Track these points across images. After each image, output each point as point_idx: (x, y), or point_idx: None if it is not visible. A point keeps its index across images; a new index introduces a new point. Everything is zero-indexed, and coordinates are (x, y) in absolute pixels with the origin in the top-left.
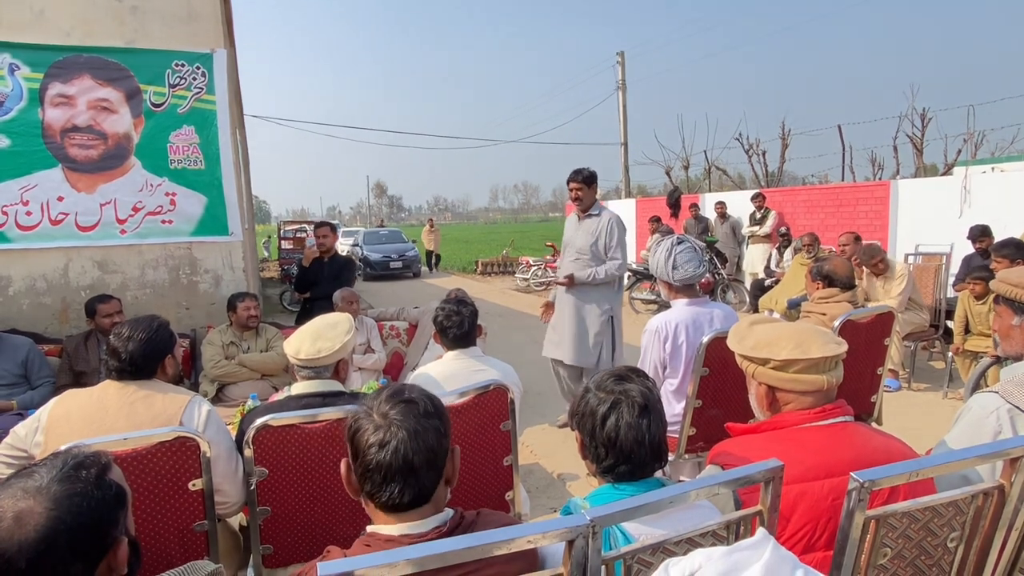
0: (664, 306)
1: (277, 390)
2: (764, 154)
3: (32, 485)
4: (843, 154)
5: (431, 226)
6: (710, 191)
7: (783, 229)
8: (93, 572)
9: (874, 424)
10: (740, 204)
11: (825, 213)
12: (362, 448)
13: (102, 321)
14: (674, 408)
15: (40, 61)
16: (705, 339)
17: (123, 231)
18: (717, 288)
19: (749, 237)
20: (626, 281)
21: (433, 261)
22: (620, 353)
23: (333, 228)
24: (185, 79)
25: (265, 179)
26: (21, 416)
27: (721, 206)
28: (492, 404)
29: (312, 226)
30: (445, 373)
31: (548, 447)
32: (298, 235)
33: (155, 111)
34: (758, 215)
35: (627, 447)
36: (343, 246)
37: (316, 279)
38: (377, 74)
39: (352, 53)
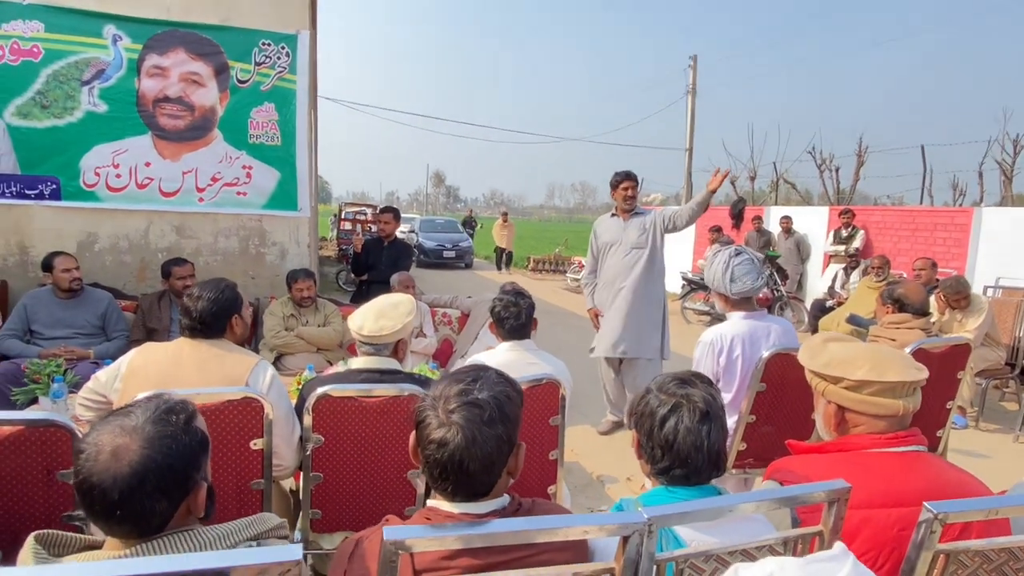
0: (717, 318)
1: (331, 364)
2: (837, 170)
3: (129, 424)
4: (924, 176)
5: (504, 220)
6: (776, 204)
7: (852, 249)
8: (175, 511)
9: None
10: (807, 220)
11: (899, 237)
12: (423, 440)
13: (175, 283)
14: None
15: (141, 33)
16: (766, 354)
17: (201, 199)
18: (775, 305)
19: (832, 256)
20: (679, 290)
21: (504, 259)
22: (668, 349)
23: (396, 214)
24: (270, 58)
25: (329, 160)
26: (97, 365)
27: (787, 221)
28: (544, 397)
29: (373, 210)
30: (499, 363)
31: (589, 448)
32: (358, 217)
33: (240, 87)
34: (844, 233)
35: (684, 451)
36: (399, 232)
37: (375, 262)
38: (444, 65)
39: (422, 44)
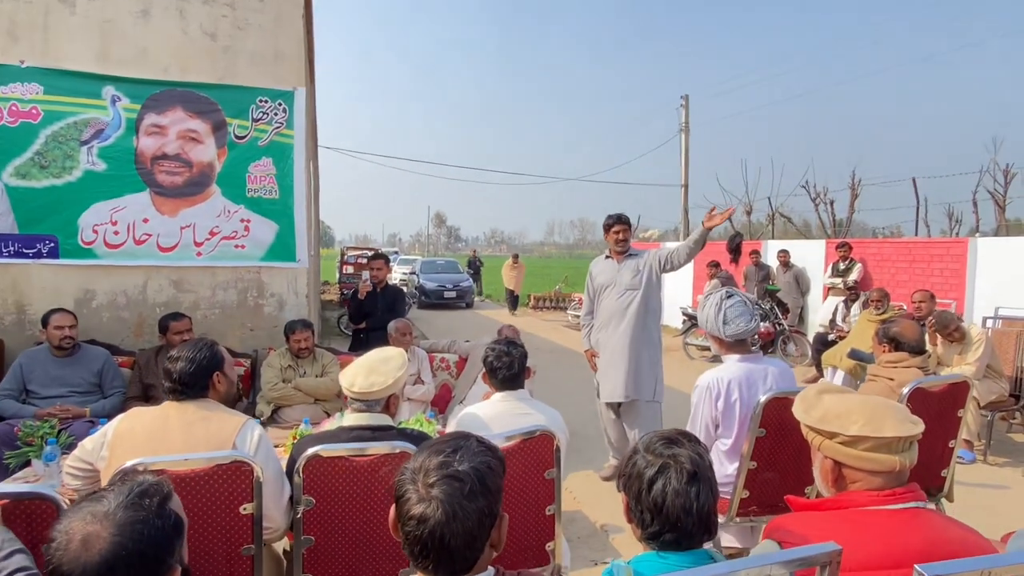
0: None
1: (329, 415)
2: (832, 203)
3: (100, 510)
4: (917, 208)
5: (515, 261)
6: (773, 238)
7: (850, 282)
8: None
9: (944, 501)
10: (805, 253)
11: (896, 268)
12: (403, 515)
13: (173, 338)
14: (726, 468)
15: (139, 93)
16: (763, 399)
17: (199, 253)
18: (778, 339)
19: (831, 289)
20: (680, 325)
21: (512, 301)
22: (662, 389)
23: (387, 260)
24: (267, 114)
25: (331, 204)
26: (92, 423)
27: (784, 255)
28: (538, 450)
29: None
30: (492, 414)
31: (592, 495)
32: (359, 261)
33: (237, 143)
34: (842, 266)
35: (674, 514)
36: (398, 273)
37: (371, 309)
38: (439, 107)
39: (415, 89)
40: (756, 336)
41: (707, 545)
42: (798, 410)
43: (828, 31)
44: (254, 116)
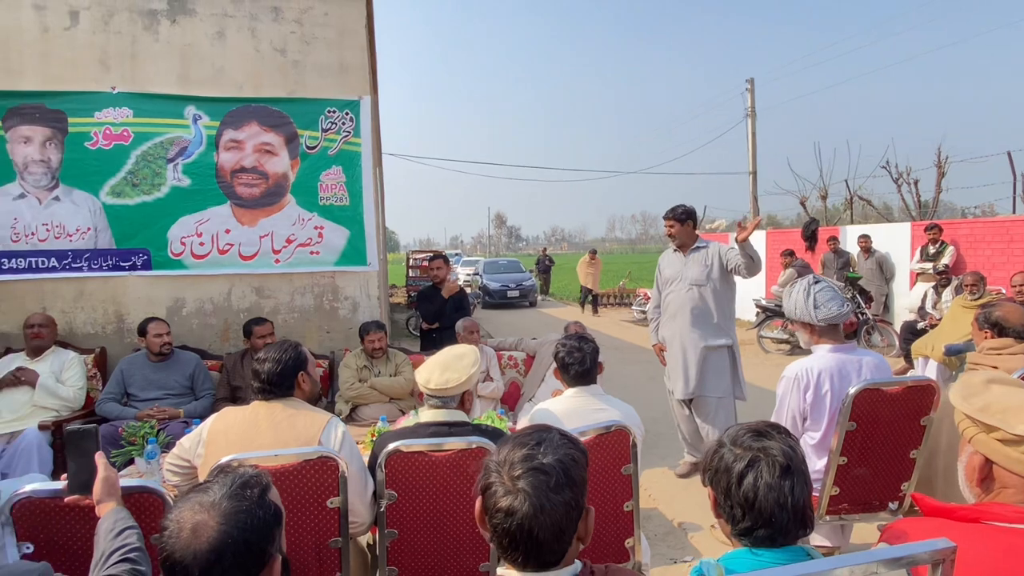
0: (797, 346)
1: (403, 413)
2: (916, 183)
3: (207, 500)
4: (1014, 184)
5: (592, 257)
6: (852, 223)
7: (941, 266)
8: None
9: None
10: (888, 237)
11: (992, 250)
12: (490, 508)
13: (256, 342)
14: (815, 464)
15: (218, 111)
16: (852, 390)
17: (277, 260)
18: (861, 329)
19: (919, 274)
20: (754, 318)
21: (590, 301)
22: (743, 389)
23: (446, 260)
24: (336, 124)
25: (395, 210)
26: (186, 424)
27: (865, 240)
28: (613, 446)
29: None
30: (566, 410)
31: (668, 492)
32: (423, 263)
33: (309, 153)
34: (931, 249)
35: (767, 510)
36: (462, 275)
37: (438, 311)
38: (500, 109)
39: (472, 92)
40: (842, 328)
41: (801, 541)
42: (955, 396)
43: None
44: (323, 126)
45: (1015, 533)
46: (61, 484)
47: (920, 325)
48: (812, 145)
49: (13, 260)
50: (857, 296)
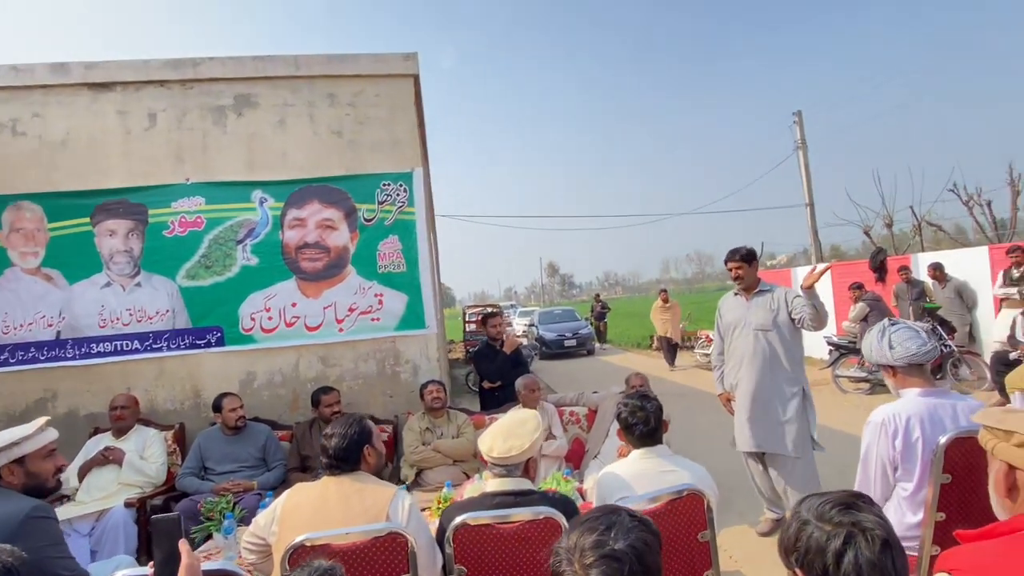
0: (879, 384)
1: (468, 476)
2: (989, 204)
3: None
4: None
5: (664, 301)
6: (923, 250)
7: None
8: None
9: None
10: (965, 262)
11: None
12: None
13: (324, 411)
14: (908, 519)
15: (281, 193)
16: (943, 439)
17: (341, 329)
18: (947, 363)
19: (1003, 300)
20: (827, 356)
21: (669, 351)
22: (816, 437)
23: (501, 315)
24: (391, 196)
25: (449, 266)
26: (260, 496)
27: (934, 270)
28: (687, 511)
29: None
30: (633, 473)
31: (750, 552)
32: (478, 319)
33: (367, 225)
34: (1016, 273)
35: None
36: (518, 326)
37: (497, 369)
38: (543, 161)
39: (517, 147)
40: (928, 368)
41: None
42: (977, 416)
43: (948, 25)
44: (379, 199)
45: None
46: (148, 571)
47: (1013, 355)
48: (871, 173)
49: (100, 344)
50: (937, 327)
